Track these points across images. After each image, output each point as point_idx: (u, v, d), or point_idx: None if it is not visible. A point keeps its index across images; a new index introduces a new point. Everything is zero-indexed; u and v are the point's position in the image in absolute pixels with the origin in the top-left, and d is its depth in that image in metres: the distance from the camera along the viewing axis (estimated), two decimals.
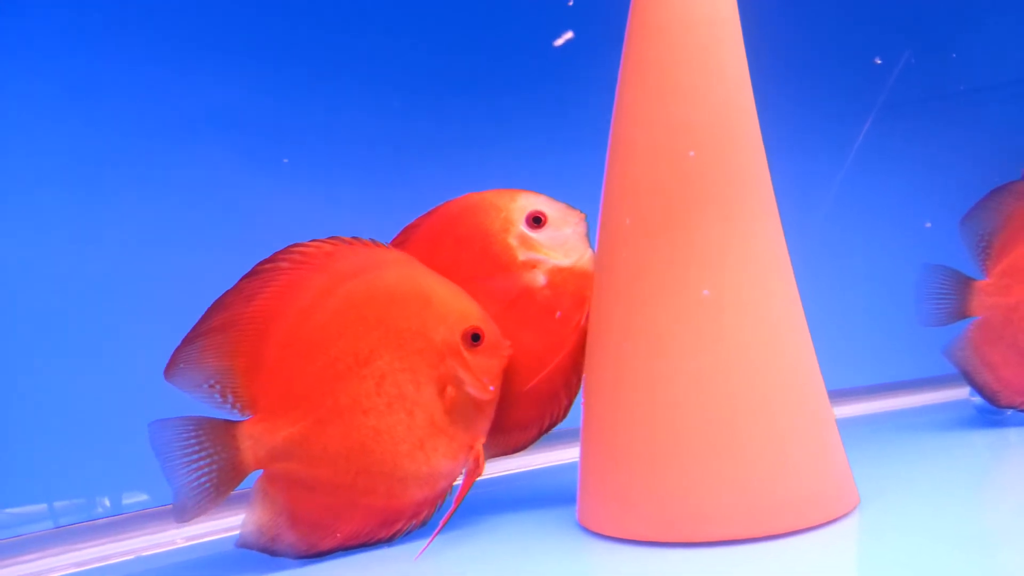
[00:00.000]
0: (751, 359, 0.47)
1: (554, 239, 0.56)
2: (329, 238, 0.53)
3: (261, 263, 0.52)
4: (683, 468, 0.46)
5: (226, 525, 0.64)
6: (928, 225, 0.94)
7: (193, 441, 0.49)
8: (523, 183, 0.59)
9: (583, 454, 0.52)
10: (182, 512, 0.49)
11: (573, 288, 0.55)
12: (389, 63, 0.81)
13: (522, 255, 0.56)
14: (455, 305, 0.53)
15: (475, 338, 0.52)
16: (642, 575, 0.42)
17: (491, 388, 0.53)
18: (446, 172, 0.81)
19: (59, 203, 0.68)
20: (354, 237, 0.53)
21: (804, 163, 0.90)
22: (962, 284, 0.71)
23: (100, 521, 0.64)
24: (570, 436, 0.72)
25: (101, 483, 0.67)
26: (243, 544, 0.50)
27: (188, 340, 0.50)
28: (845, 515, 0.48)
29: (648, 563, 0.44)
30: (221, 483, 0.50)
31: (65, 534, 0.63)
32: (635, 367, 0.48)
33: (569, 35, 0.47)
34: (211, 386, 0.50)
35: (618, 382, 0.49)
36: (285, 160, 0.76)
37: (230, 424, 0.50)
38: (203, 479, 0.49)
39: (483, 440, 0.54)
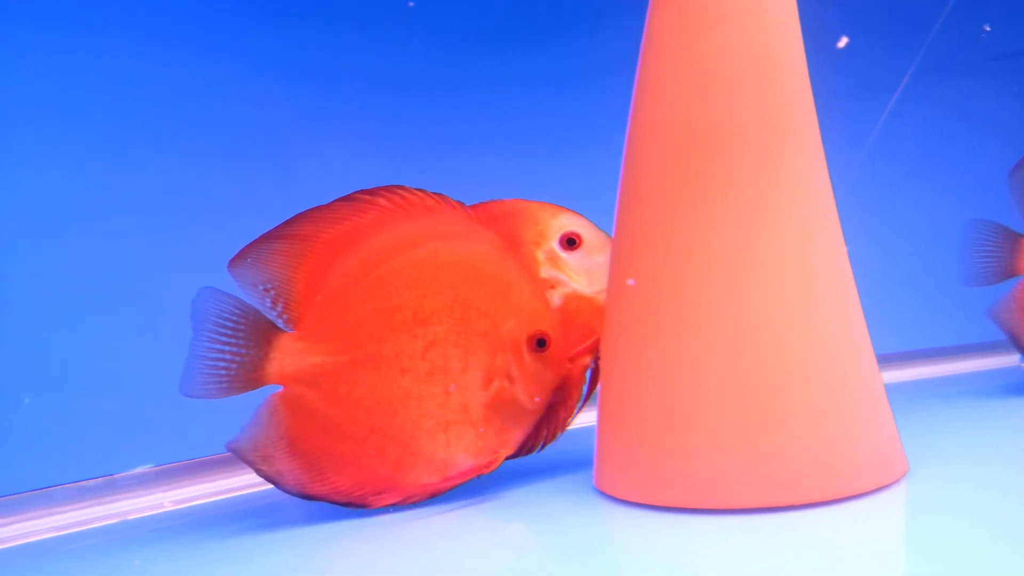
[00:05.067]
0: (792, 311, 0.42)
1: (583, 264, 0.54)
2: (435, 194, 0.52)
3: (360, 192, 0.51)
4: (715, 428, 0.42)
5: (214, 489, 0.62)
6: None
7: (231, 323, 0.48)
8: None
9: (602, 413, 0.48)
10: (189, 387, 0.48)
11: (585, 319, 0.53)
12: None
13: (545, 272, 0.54)
14: (533, 304, 0.51)
15: (541, 343, 0.50)
16: (672, 543, 0.38)
17: (537, 399, 0.51)
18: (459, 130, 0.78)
19: (87, 159, 0.66)
20: (460, 202, 0.52)
21: (842, 114, 0.85)
22: (1010, 240, 0.67)
23: (86, 483, 0.61)
24: None
25: (88, 445, 0.63)
26: (233, 450, 0.48)
27: (265, 238, 0.49)
28: (893, 483, 0.43)
29: (678, 530, 0.40)
30: (237, 378, 0.48)
31: (46, 496, 0.60)
32: (662, 320, 0.44)
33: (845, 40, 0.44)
34: (266, 289, 0.50)
35: (642, 336, 0.45)
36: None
37: (272, 328, 0.49)
38: (222, 365, 0.48)
39: (510, 452, 0.51)
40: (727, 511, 0.41)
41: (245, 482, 0.62)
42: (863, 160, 0.88)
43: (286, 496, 0.48)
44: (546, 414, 0.53)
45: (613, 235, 0.49)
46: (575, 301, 0.53)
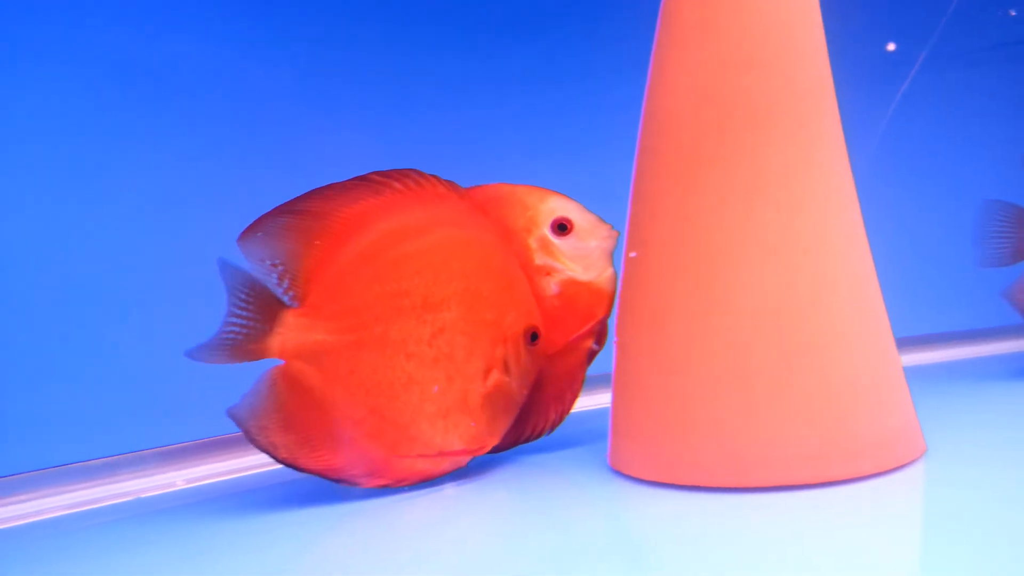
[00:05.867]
0: (812, 292, 0.42)
1: (576, 250, 0.53)
2: (447, 181, 0.51)
3: (377, 173, 0.50)
4: (737, 408, 0.42)
5: (225, 468, 0.61)
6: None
7: (241, 296, 0.48)
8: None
9: (617, 393, 0.48)
10: (196, 352, 0.48)
11: (584, 304, 0.53)
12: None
13: (539, 259, 0.53)
14: (529, 300, 0.52)
15: (534, 337, 0.51)
16: (693, 522, 0.38)
17: (524, 391, 0.51)
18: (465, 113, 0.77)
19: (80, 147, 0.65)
20: (467, 191, 0.52)
21: (854, 100, 0.85)
22: None
23: (95, 462, 0.61)
24: (592, 383, 0.68)
25: (100, 422, 0.63)
26: (232, 416, 0.48)
27: (278, 212, 0.49)
28: (911, 462, 0.43)
29: (701, 509, 0.40)
30: (240, 348, 0.48)
31: (61, 474, 0.60)
32: (683, 301, 0.43)
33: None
34: (274, 264, 0.49)
35: (663, 316, 0.44)
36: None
37: (278, 303, 0.49)
38: (227, 333, 0.48)
39: (495, 442, 0.51)
40: (748, 490, 0.41)
41: (259, 461, 0.62)
42: (878, 145, 0.87)
43: (302, 475, 0.48)
44: (553, 398, 0.53)
45: (629, 214, 0.48)
46: (572, 287, 0.53)
